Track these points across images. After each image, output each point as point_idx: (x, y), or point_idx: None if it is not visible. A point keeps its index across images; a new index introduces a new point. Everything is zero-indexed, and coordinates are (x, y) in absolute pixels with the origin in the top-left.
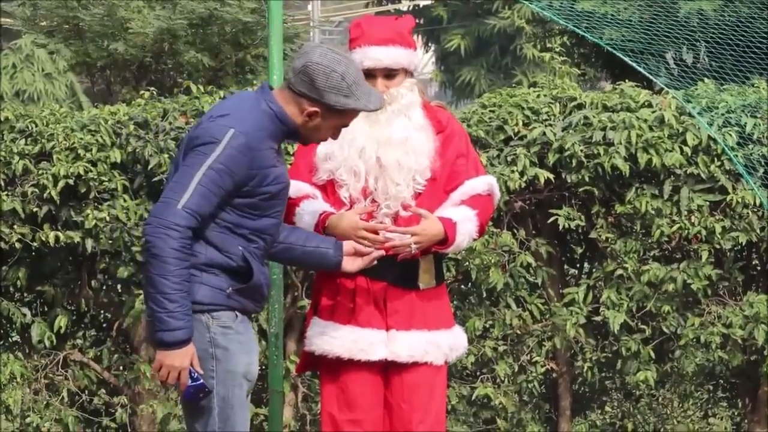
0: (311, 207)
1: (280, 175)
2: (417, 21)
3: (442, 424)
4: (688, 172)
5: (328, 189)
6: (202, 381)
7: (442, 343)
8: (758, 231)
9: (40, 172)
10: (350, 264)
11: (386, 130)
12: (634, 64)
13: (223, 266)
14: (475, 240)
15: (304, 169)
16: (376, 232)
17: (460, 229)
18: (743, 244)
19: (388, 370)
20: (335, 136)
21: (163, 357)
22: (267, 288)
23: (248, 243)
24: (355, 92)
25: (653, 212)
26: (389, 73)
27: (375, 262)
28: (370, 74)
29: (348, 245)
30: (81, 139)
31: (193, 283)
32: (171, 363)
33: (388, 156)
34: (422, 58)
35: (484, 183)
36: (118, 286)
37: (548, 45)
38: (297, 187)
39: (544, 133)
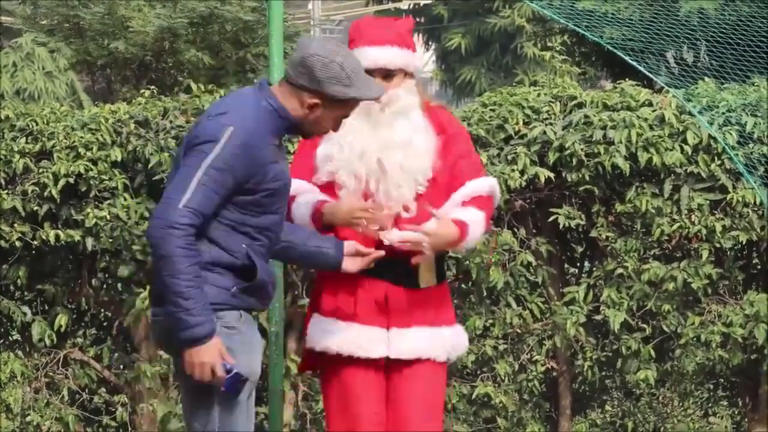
0: (305, 198)
1: (280, 172)
2: (417, 20)
3: (439, 421)
4: (688, 171)
5: (329, 191)
6: (236, 371)
7: (444, 339)
8: (758, 230)
9: (41, 170)
10: (351, 264)
11: (387, 132)
12: (634, 63)
13: (227, 265)
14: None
15: (303, 170)
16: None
17: (471, 231)
18: (743, 242)
19: (389, 366)
20: (336, 128)
21: (190, 356)
22: (272, 286)
23: (252, 240)
24: (355, 81)
25: (653, 211)
26: (387, 74)
27: (372, 264)
28: (367, 74)
29: (349, 245)
30: (81, 137)
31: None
32: (200, 360)
33: (391, 159)
34: (423, 57)
35: (486, 185)
36: (119, 285)
37: (549, 44)
38: (295, 185)
39: (545, 132)
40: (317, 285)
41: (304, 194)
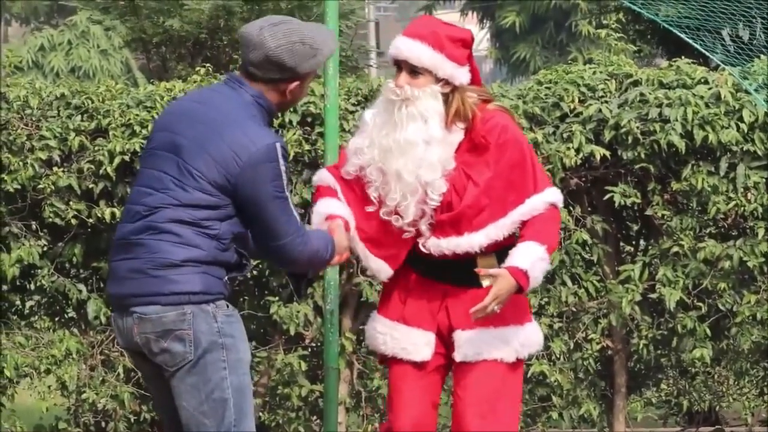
0: (320, 208)
1: None
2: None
3: (512, 425)
4: (744, 149)
5: (359, 183)
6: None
7: (510, 339)
8: None
9: (96, 148)
10: None
11: (398, 134)
12: (690, 41)
13: (224, 263)
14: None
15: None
16: None
17: (532, 275)
18: None
19: (455, 368)
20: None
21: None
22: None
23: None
24: (318, 46)
25: (709, 189)
26: (413, 70)
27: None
28: (397, 65)
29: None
30: (137, 115)
31: (197, 274)
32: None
33: (390, 164)
34: (477, 35)
35: (542, 203)
36: None
37: (604, 21)
38: (319, 176)
39: (600, 110)
40: (383, 284)
41: (321, 201)
